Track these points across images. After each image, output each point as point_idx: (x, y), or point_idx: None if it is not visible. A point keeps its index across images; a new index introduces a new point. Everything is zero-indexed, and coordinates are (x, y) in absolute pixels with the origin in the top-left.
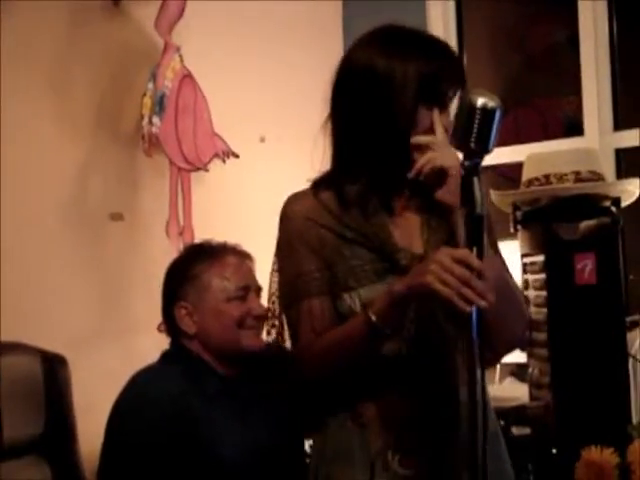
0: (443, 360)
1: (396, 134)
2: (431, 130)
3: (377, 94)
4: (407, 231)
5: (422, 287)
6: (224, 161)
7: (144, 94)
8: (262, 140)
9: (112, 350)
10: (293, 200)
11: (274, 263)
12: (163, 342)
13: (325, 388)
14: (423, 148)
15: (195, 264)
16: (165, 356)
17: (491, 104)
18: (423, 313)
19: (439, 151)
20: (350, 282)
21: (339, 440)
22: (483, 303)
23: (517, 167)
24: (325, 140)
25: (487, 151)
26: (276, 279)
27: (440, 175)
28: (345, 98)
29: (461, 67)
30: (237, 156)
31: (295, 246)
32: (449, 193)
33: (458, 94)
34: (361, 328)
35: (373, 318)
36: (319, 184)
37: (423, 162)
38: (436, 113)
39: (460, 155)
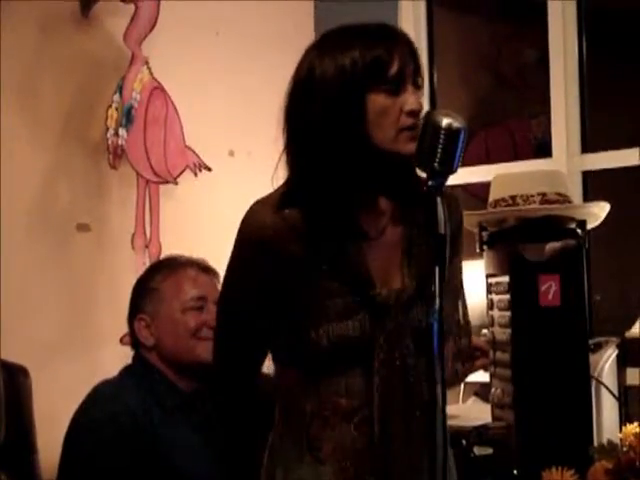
0: (409, 392)
1: (350, 127)
2: (383, 114)
3: (320, 91)
4: (385, 258)
5: None
6: (196, 174)
7: (109, 106)
8: (231, 154)
9: (75, 362)
10: (257, 211)
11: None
12: (127, 355)
13: None
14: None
15: (155, 277)
16: (125, 369)
17: (456, 125)
18: (394, 342)
19: None
20: (318, 317)
21: (295, 473)
22: None
23: (487, 187)
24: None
25: (451, 172)
26: None
27: None
28: (295, 107)
29: (410, 44)
30: (209, 169)
31: (243, 271)
32: None
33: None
34: None
35: None
36: (283, 200)
37: None
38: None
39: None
